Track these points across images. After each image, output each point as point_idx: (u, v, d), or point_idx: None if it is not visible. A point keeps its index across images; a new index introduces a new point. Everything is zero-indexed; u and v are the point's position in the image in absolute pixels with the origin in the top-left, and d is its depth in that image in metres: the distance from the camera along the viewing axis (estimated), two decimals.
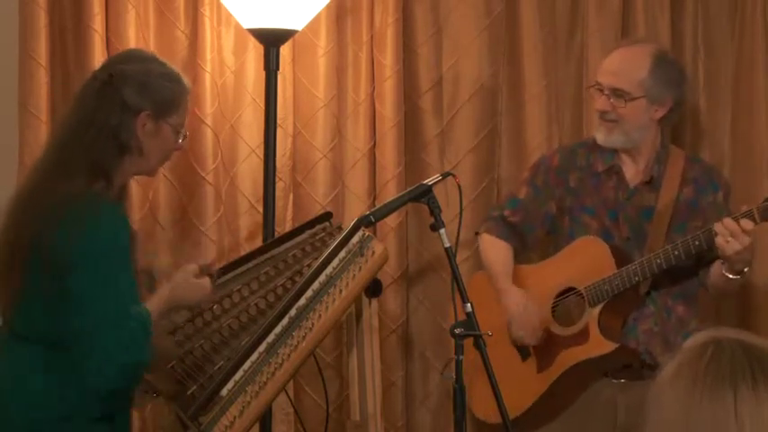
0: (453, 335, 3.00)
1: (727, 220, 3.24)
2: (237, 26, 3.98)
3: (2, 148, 3.93)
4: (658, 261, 3.36)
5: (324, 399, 3.85)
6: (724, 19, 4.05)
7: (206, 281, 2.98)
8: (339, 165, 4.11)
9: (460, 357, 2.98)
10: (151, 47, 4.03)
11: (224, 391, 3.16)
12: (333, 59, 4.09)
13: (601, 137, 3.52)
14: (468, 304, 3.03)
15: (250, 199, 4.07)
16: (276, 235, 3.78)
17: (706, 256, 3.40)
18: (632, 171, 3.55)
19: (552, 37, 4.09)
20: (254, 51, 4.03)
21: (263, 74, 3.87)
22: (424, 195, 3.10)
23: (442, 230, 3.07)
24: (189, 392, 3.17)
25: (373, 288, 3.52)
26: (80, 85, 3.01)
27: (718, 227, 3.24)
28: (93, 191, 2.79)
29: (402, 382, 4.12)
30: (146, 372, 2.96)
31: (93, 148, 2.81)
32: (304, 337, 3.26)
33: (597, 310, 3.45)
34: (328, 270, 3.33)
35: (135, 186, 4.01)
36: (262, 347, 3.22)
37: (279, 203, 3.98)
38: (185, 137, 2.96)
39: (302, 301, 3.29)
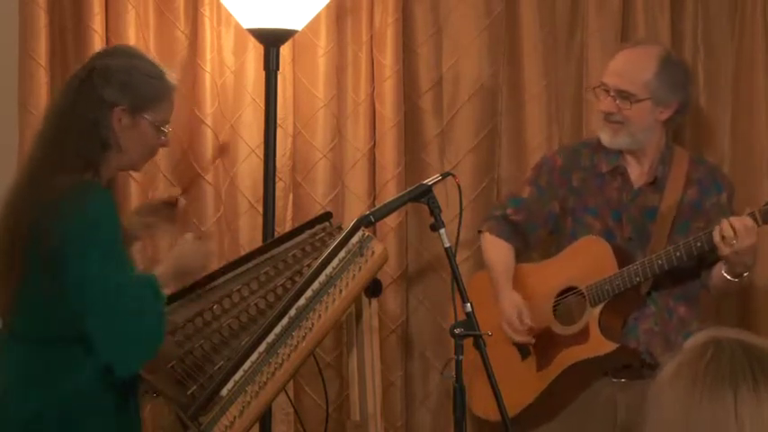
0: (453, 335, 3.00)
1: (730, 219, 3.23)
2: (237, 26, 3.98)
3: (2, 147, 3.93)
4: (660, 262, 3.36)
5: (324, 399, 3.85)
6: (724, 19, 4.05)
7: (207, 244, 3.01)
8: (339, 165, 4.11)
9: (460, 357, 2.99)
10: (151, 47, 4.03)
11: (224, 391, 3.15)
12: (333, 59, 4.09)
13: (606, 138, 3.51)
14: (468, 304, 3.03)
15: (250, 199, 4.07)
16: (276, 235, 3.78)
17: (708, 257, 3.39)
18: (637, 172, 3.54)
19: (552, 37, 4.09)
20: (254, 51, 4.03)
21: (262, 74, 3.87)
22: (423, 195, 3.10)
23: (442, 230, 3.07)
24: (189, 392, 3.17)
25: (373, 288, 3.52)
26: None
27: (724, 227, 3.23)
28: (82, 180, 2.81)
29: (402, 382, 4.12)
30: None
31: (77, 142, 2.83)
32: (304, 337, 3.26)
33: (598, 309, 3.45)
34: (328, 270, 3.33)
35: (135, 186, 4.02)
36: (262, 347, 3.22)
37: (279, 203, 3.98)
38: (168, 133, 2.97)
39: (302, 301, 3.29)
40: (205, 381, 3.19)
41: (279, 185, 3.98)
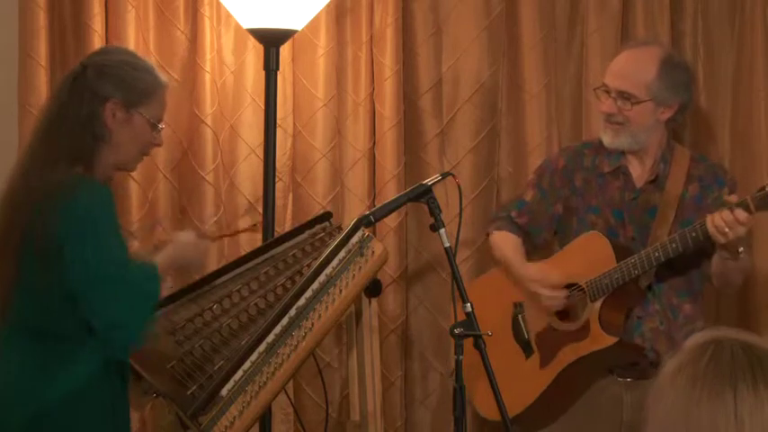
0: (453, 335, 3.00)
1: (723, 213, 3.23)
2: (237, 26, 3.98)
3: (2, 147, 3.93)
4: (657, 254, 3.36)
5: (323, 399, 3.86)
6: (724, 19, 4.05)
7: (205, 242, 3.04)
8: (339, 165, 4.11)
9: (460, 357, 2.99)
10: (151, 47, 4.03)
11: (224, 391, 3.16)
12: (332, 59, 4.09)
13: (607, 139, 3.51)
14: (468, 304, 3.03)
15: (250, 199, 4.07)
16: (276, 235, 3.78)
17: (707, 248, 3.39)
18: (639, 171, 3.54)
19: (552, 37, 4.09)
20: (254, 51, 4.03)
21: (262, 74, 3.87)
22: (423, 195, 3.11)
23: (442, 230, 3.07)
24: (189, 392, 3.17)
25: (373, 288, 3.52)
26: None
27: (711, 219, 3.23)
28: (76, 173, 2.82)
29: (401, 382, 4.12)
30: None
31: (71, 139, 2.84)
32: (304, 337, 3.27)
33: (598, 304, 3.44)
34: (328, 270, 3.33)
35: (135, 186, 4.02)
36: (261, 347, 3.22)
37: (278, 203, 3.98)
38: (161, 131, 2.98)
39: (302, 301, 3.29)
40: (205, 381, 3.19)
41: (279, 185, 3.98)
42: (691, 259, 3.46)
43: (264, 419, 3.73)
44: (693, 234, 3.31)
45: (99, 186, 2.86)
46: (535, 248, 3.70)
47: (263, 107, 3.90)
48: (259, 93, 3.96)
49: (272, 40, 3.81)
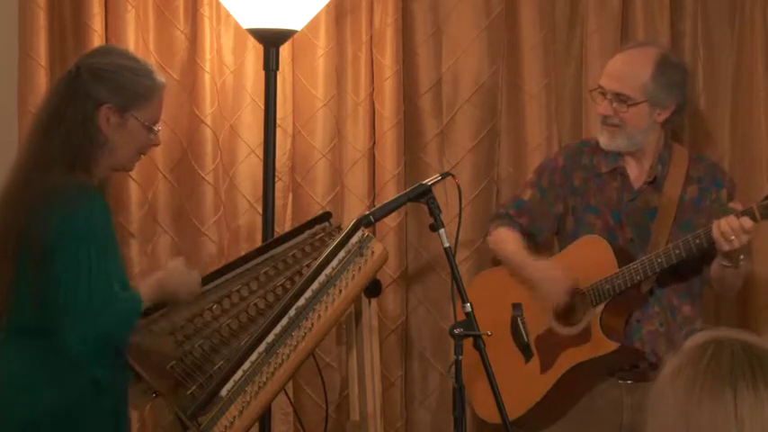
0: (453, 335, 3.00)
1: (729, 219, 3.23)
2: (237, 26, 3.98)
3: (2, 147, 3.93)
4: (659, 260, 3.36)
5: (323, 399, 3.86)
6: (723, 19, 4.05)
7: (195, 273, 3.02)
8: (338, 165, 4.11)
9: (460, 357, 2.99)
10: (150, 47, 4.03)
11: (223, 392, 3.16)
12: (332, 59, 4.09)
13: (604, 141, 3.51)
14: (468, 304, 3.03)
15: (249, 199, 4.06)
16: (275, 235, 3.78)
17: (710, 253, 3.39)
18: (636, 172, 3.54)
19: (552, 37, 4.09)
20: (254, 51, 4.03)
21: (262, 74, 3.87)
22: (423, 195, 3.11)
23: (442, 230, 3.08)
24: (188, 392, 3.17)
25: (373, 288, 3.52)
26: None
27: (717, 226, 3.23)
28: (74, 180, 2.81)
29: (401, 382, 4.11)
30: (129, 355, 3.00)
31: (67, 142, 2.83)
32: (303, 338, 3.26)
33: (599, 309, 3.44)
34: (328, 270, 3.33)
35: (134, 186, 4.02)
36: (261, 348, 3.22)
37: (278, 203, 3.98)
38: (158, 132, 2.97)
39: (302, 301, 3.29)
40: (205, 381, 3.19)
41: (278, 185, 3.98)
42: (692, 263, 3.46)
43: (264, 419, 3.73)
44: (697, 241, 3.31)
45: (99, 200, 2.85)
46: (536, 248, 3.70)
47: (262, 107, 3.90)
48: (259, 93, 3.96)
49: (271, 41, 3.81)
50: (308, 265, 3.40)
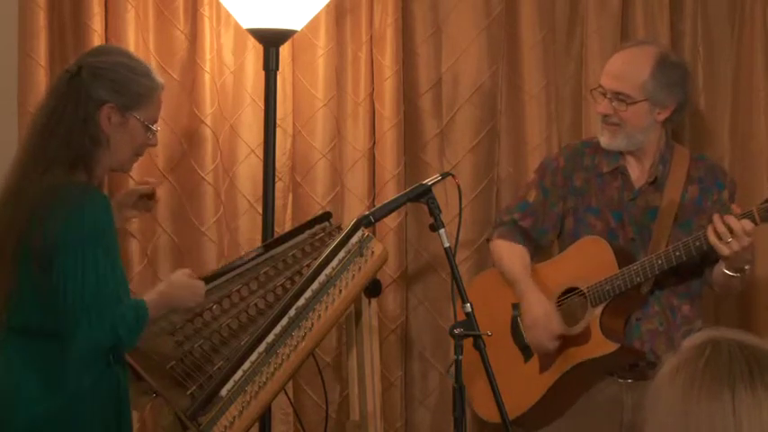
0: (453, 335, 3.00)
1: (729, 217, 3.23)
2: (237, 26, 3.98)
3: (1, 147, 3.93)
4: (660, 262, 3.36)
5: (323, 399, 3.86)
6: (723, 19, 4.05)
7: (201, 283, 3.01)
8: (338, 165, 4.11)
9: (460, 357, 2.99)
10: (150, 47, 4.03)
11: (223, 392, 3.16)
12: (332, 59, 4.09)
13: (604, 140, 3.51)
14: (468, 304, 3.03)
15: (249, 199, 4.06)
16: (275, 235, 3.78)
17: (710, 255, 3.39)
18: (637, 172, 3.54)
19: (552, 37, 4.09)
20: (254, 51, 4.02)
21: (262, 74, 3.87)
22: (423, 195, 3.11)
23: (442, 230, 3.08)
24: (188, 393, 3.18)
25: (372, 288, 3.52)
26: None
27: (717, 223, 3.23)
28: (76, 180, 2.81)
29: (401, 383, 4.11)
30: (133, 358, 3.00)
31: (68, 141, 2.83)
32: (303, 338, 3.27)
33: (599, 310, 3.44)
34: (328, 270, 3.33)
35: (132, 184, 4.01)
36: (261, 348, 3.22)
37: (278, 203, 3.98)
38: (156, 132, 2.97)
39: (302, 301, 3.29)
40: (204, 381, 3.19)
41: (278, 185, 3.98)
42: (692, 265, 3.45)
43: (264, 419, 3.73)
44: (697, 243, 3.31)
45: (103, 201, 2.85)
46: (539, 250, 3.69)
47: (262, 107, 3.90)
48: (259, 93, 3.96)
49: (271, 41, 3.81)
50: (308, 265, 3.40)
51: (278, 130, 3.92)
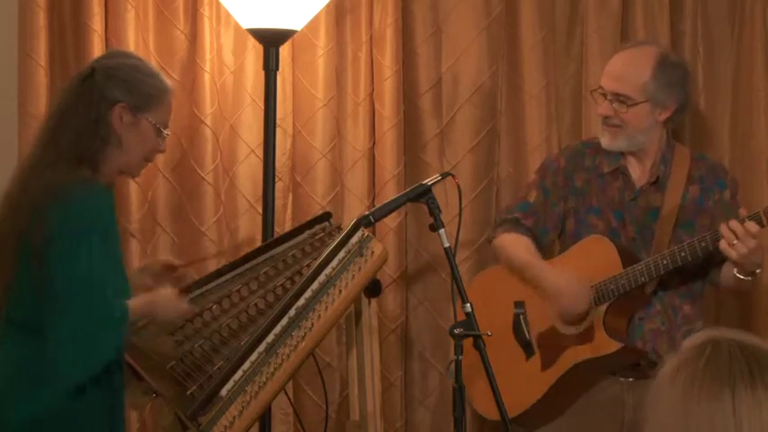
0: (453, 335, 3.00)
1: (733, 222, 3.23)
2: (237, 26, 3.98)
3: (1, 147, 3.93)
4: (664, 262, 3.36)
5: (323, 399, 3.85)
6: (723, 19, 4.05)
7: (186, 303, 3.02)
8: (338, 165, 4.11)
9: (460, 357, 2.99)
10: (150, 47, 4.03)
11: (223, 392, 3.16)
12: (332, 59, 4.09)
13: (605, 141, 3.51)
14: (468, 304, 3.03)
15: (249, 199, 4.06)
16: (275, 235, 3.78)
17: (715, 256, 3.39)
18: (638, 172, 3.54)
19: (552, 37, 4.09)
20: (254, 51, 4.02)
21: (262, 74, 3.87)
22: (423, 195, 3.11)
23: (442, 230, 3.08)
24: (188, 393, 3.17)
25: (372, 288, 3.52)
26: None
27: (723, 229, 3.24)
28: (77, 175, 2.81)
29: (401, 383, 4.11)
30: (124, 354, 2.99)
31: (76, 141, 2.84)
32: (303, 338, 3.27)
33: (602, 309, 3.44)
34: (327, 270, 3.33)
35: (134, 186, 4.02)
36: (261, 348, 3.22)
37: (278, 203, 3.98)
38: (166, 138, 2.98)
39: (301, 301, 3.29)
40: (204, 381, 3.19)
41: (278, 185, 3.98)
42: (695, 265, 3.46)
43: (264, 419, 3.73)
44: (703, 244, 3.31)
45: (102, 192, 2.85)
46: (540, 250, 3.69)
47: (262, 107, 3.90)
48: (259, 93, 3.96)
49: (271, 41, 3.81)
50: (307, 265, 3.40)
51: (278, 130, 3.92)
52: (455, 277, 3.05)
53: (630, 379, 3.48)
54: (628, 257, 3.44)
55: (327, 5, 3.94)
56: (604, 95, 3.48)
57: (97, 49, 3.94)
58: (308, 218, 3.75)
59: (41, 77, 3.94)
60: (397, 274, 4.08)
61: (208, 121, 4.05)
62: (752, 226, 3.22)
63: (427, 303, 4.15)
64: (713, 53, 4.06)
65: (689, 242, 3.34)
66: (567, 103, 4.12)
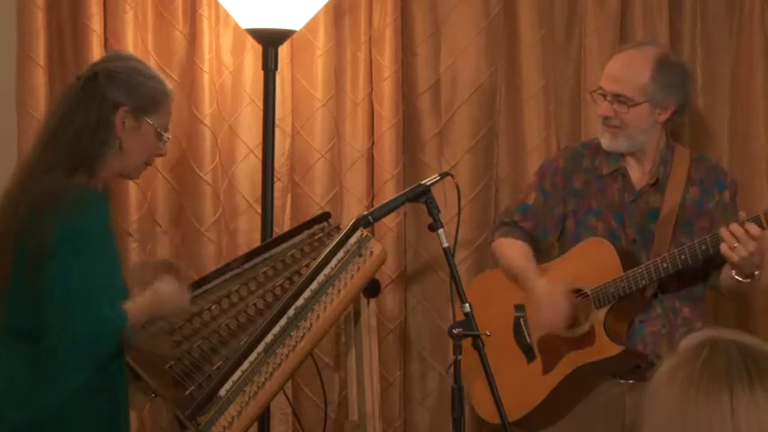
0: (452, 335, 3.00)
1: (734, 226, 3.23)
2: (236, 26, 3.98)
3: (0, 148, 3.93)
4: (665, 265, 3.36)
5: (322, 399, 3.86)
6: (722, 20, 4.05)
7: (185, 290, 3.00)
8: (337, 165, 4.11)
9: (459, 357, 2.98)
10: (149, 47, 4.03)
11: (222, 392, 3.16)
12: (331, 60, 4.09)
13: (605, 142, 3.51)
14: (467, 304, 3.03)
15: (248, 199, 4.06)
16: (274, 235, 3.78)
17: (715, 259, 3.38)
18: (638, 173, 3.54)
19: (550, 37, 4.09)
20: (253, 51, 4.03)
21: (261, 74, 3.87)
22: (422, 195, 3.10)
23: (441, 230, 3.07)
24: (187, 393, 3.17)
25: (371, 288, 3.52)
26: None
27: (723, 233, 3.23)
28: (76, 182, 2.81)
29: (400, 382, 4.11)
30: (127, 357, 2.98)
31: (74, 144, 2.83)
32: (302, 338, 3.27)
33: (603, 312, 3.43)
34: (326, 270, 3.33)
35: (133, 187, 4.02)
36: (260, 348, 3.22)
37: (277, 204, 3.98)
38: (167, 141, 2.97)
39: (300, 301, 3.29)
40: (203, 381, 3.19)
41: (277, 185, 3.98)
42: (695, 268, 3.45)
43: (263, 420, 3.73)
44: (703, 247, 3.31)
45: (99, 201, 2.84)
46: (539, 252, 3.69)
47: (261, 107, 3.90)
48: (257, 93, 3.96)
49: (270, 41, 3.81)
50: (306, 266, 3.40)
51: (277, 131, 3.92)
52: (454, 277, 3.05)
53: (631, 381, 3.48)
54: (628, 260, 3.44)
55: (326, 5, 3.94)
56: (604, 96, 3.48)
57: (96, 50, 3.94)
58: (307, 218, 3.75)
59: (40, 77, 3.93)
60: (396, 274, 4.08)
61: (207, 121, 4.05)
62: (753, 228, 3.22)
63: (426, 303, 4.15)
64: (712, 54, 4.07)
65: (689, 245, 3.34)
66: (566, 103, 4.12)
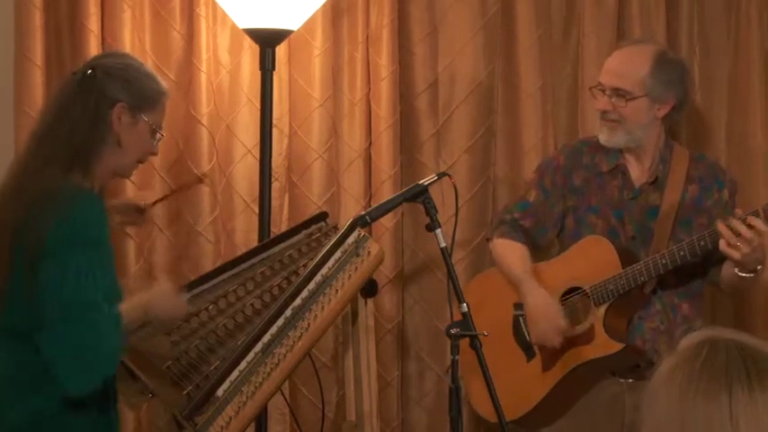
0: (449, 335, 3.00)
1: (733, 221, 3.23)
2: (233, 26, 3.98)
3: None
4: (664, 261, 3.36)
5: (319, 399, 3.85)
6: (719, 19, 4.06)
7: (182, 300, 2.99)
8: (335, 165, 4.11)
9: (456, 357, 2.98)
10: (147, 46, 4.03)
11: (220, 392, 3.16)
12: (328, 59, 4.09)
13: (604, 137, 3.51)
14: (464, 304, 3.03)
15: (246, 199, 4.06)
16: (272, 235, 3.78)
17: (713, 255, 3.39)
18: (637, 171, 3.54)
19: (548, 36, 4.09)
20: (250, 51, 4.02)
21: (258, 74, 3.87)
22: (419, 195, 3.10)
23: (438, 231, 3.07)
24: (185, 392, 3.17)
25: (369, 288, 3.52)
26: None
27: (721, 228, 3.23)
28: (72, 181, 2.80)
29: (397, 382, 4.11)
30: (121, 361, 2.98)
31: (71, 139, 2.82)
32: (300, 338, 3.27)
33: (602, 309, 3.44)
34: (324, 270, 3.33)
35: (131, 187, 4.01)
36: (257, 347, 3.22)
37: (274, 203, 3.98)
38: (160, 140, 2.97)
39: (298, 301, 3.29)
40: (201, 381, 3.19)
41: (275, 185, 3.98)
42: (696, 264, 3.46)
43: (260, 420, 3.73)
44: (702, 243, 3.31)
45: (94, 201, 2.83)
46: (538, 249, 3.69)
47: (258, 107, 3.90)
48: (255, 93, 3.96)
49: (267, 41, 3.81)
50: (304, 266, 3.40)
51: (274, 131, 3.92)
52: (451, 277, 3.05)
53: (630, 380, 3.49)
54: (627, 257, 3.44)
55: (324, 5, 3.94)
56: (603, 91, 3.49)
57: (93, 49, 3.94)
58: (305, 218, 3.75)
59: (38, 77, 3.93)
60: (394, 274, 4.08)
61: (204, 121, 4.05)
62: (756, 222, 3.22)
63: (424, 303, 4.15)
64: (709, 52, 4.07)
65: (688, 241, 3.35)
66: (564, 102, 4.12)
